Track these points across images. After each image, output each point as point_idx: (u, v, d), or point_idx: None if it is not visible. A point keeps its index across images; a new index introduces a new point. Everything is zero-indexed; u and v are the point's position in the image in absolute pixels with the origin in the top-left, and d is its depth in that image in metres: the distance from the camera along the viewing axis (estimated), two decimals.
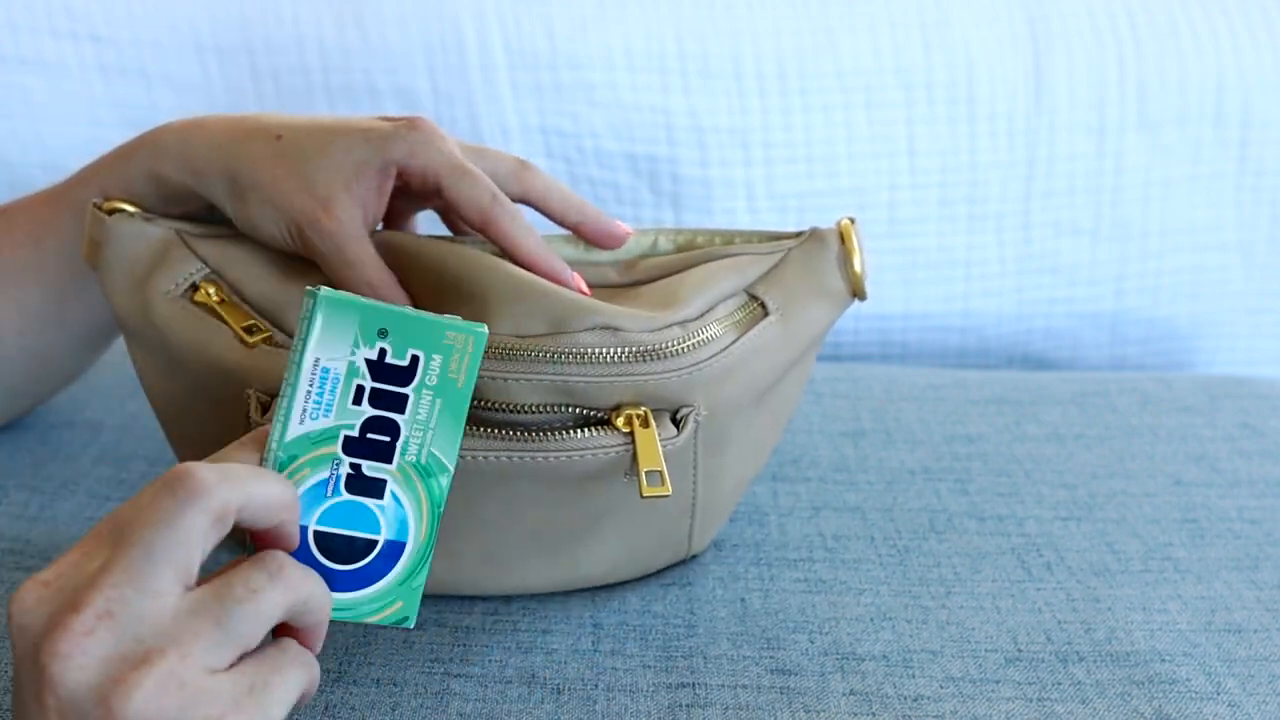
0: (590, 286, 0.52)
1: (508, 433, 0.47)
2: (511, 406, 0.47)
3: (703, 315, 0.50)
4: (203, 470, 0.35)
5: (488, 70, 0.85)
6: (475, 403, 0.47)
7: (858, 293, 0.53)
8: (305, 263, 0.52)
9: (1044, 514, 0.62)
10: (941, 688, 0.49)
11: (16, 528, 0.58)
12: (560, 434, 0.47)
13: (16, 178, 0.86)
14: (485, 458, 0.47)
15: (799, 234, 0.54)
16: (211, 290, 0.51)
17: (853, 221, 0.53)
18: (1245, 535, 0.61)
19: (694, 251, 0.54)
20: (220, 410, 0.50)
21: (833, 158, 0.88)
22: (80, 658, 0.32)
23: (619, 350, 0.47)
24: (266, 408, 0.48)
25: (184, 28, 0.86)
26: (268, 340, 0.49)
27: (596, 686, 0.49)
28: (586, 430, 0.47)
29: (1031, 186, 0.89)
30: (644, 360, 0.47)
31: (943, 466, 0.66)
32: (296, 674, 0.36)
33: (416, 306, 0.49)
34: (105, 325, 0.61)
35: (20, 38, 0.85)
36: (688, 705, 0.48)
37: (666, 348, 0.48)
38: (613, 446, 0.47)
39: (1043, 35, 0.88)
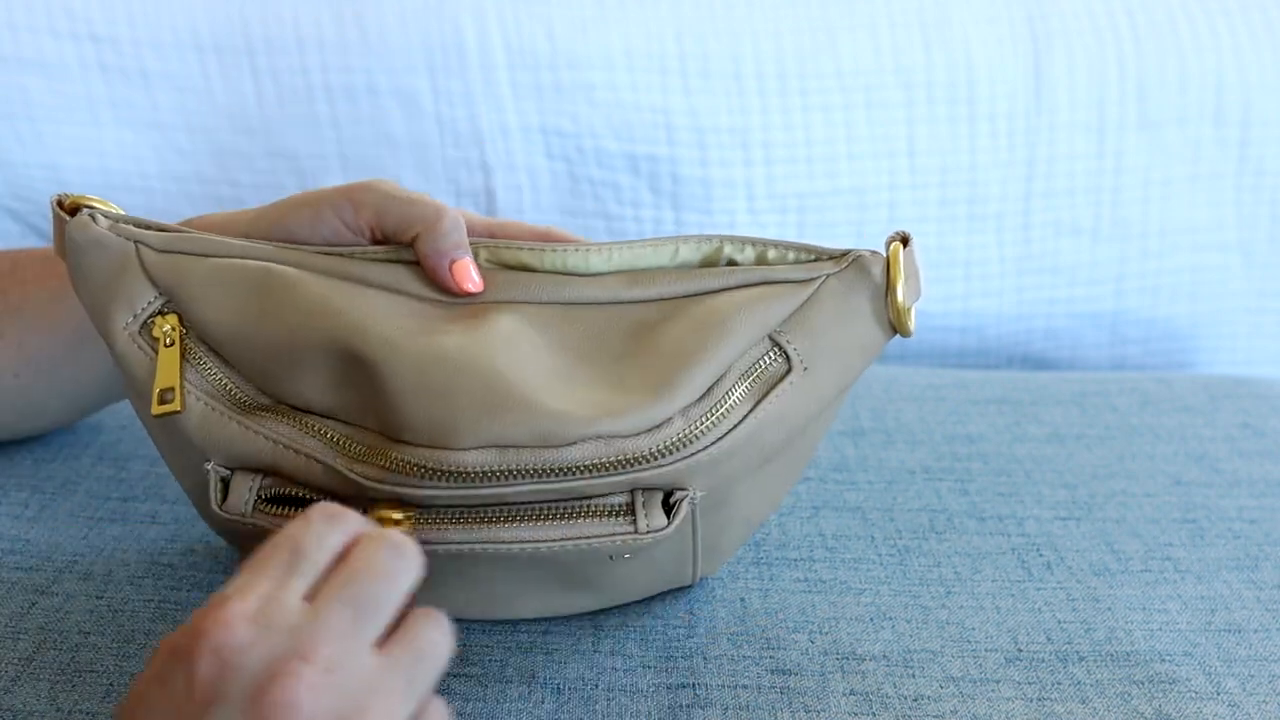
0: (596, 305, 0.48)
1: (495, 513, 0.44)
2: (501, 499, 0.45)
3: (709, 391, 0.45)
4: (413, 544, 0.37)
5: (488, 70, 0.85)
6: (462, 502, 0.44)
7: (899, 329, 0.47)
8: (281, 286, 0.47)
9: (1044, 514, 0.62)
10: (941, 688, 0.49)
11: (16, 528, 0.58)
12: (553, 523, 0.44)
13: (17, 178, 0.86)
14: (474, 549, 0.44)
15: (842, 255, 0.47)
16: (168, 326, 0.47)
17: (905, 242, 0.46)
18: (1245, 535, 0.61)
19: (714, 272, 0.48)
20: (190, 462, 0.47)
21: (833, 158, 0.88)
22: (310, 711, 0.32)
23: (612, 459, 0.43)
24: (228, 485, 0.45)
25: (184, 28, 0.86)
26: (172, 413, 0.45)
27: (596, 686, 0.49)
28: (580, 520, 0.44)
29: (1031, 186, 0.89)
30: (639, 465, 0.44)
31: (943, 466, 0.66)
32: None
33: (387, 403, 0.44)
34: (93, 398, 0.61)
35: (20, 38, 0.85)
36: (688, 705, 0.48)
37: (665, 447, 0.44)
38: (609, 535, 0.44)
39: (1043, 35, 0.88)
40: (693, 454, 0.44)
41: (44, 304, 0.57)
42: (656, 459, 0.44)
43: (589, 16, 0.86)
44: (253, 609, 0.34)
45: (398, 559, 0.36)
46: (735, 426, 0.45)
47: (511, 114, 0.86)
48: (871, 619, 0.53)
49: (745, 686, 0.49)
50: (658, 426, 0.44)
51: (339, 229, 0.49)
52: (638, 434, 0.44)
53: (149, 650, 0.50)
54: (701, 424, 0.44)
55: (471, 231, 0.50)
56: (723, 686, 0.49)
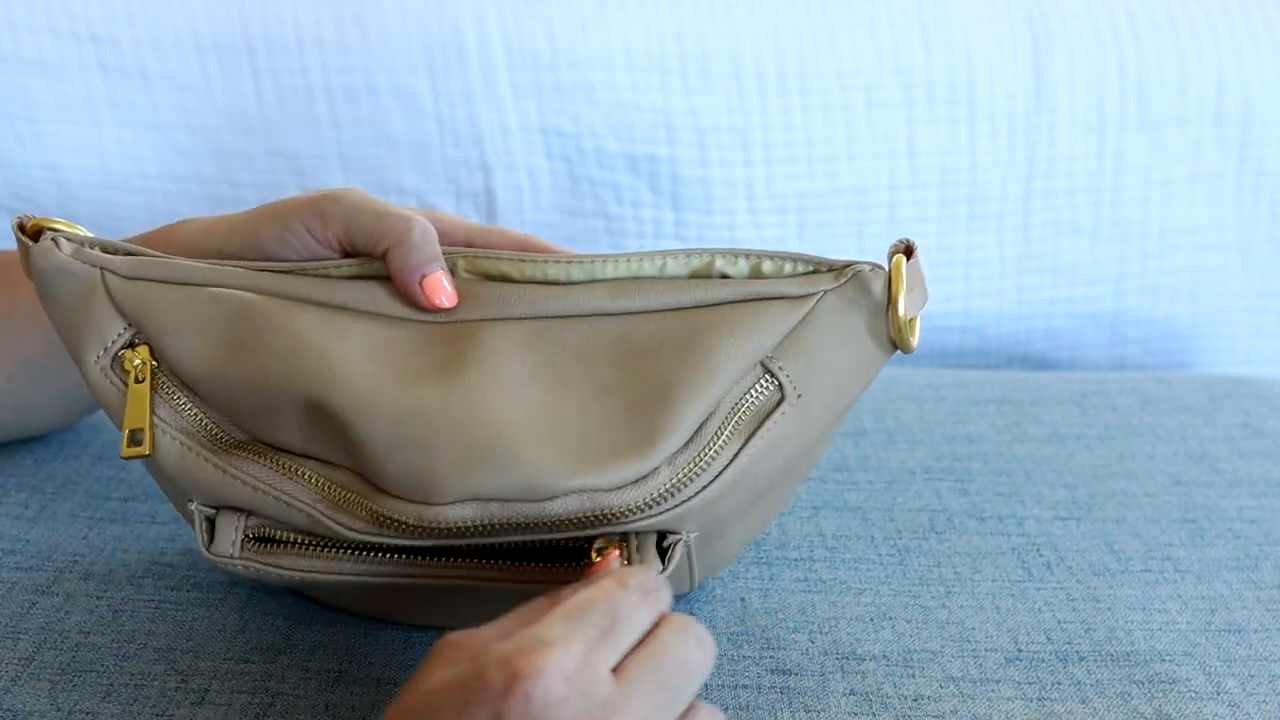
0: (579, 318, 0.46)
1: (480, 550, 0.44)
2: (484, 547, 0.44)
3: (697, 433, 0.43)
4: (710, 636, 0.39)
5: (488, 70, 0.85)
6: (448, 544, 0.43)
7: (901, 346, 0.45)
8: (249, 321, 0.45)
9: (1044, 514, 0.62)
10: (941, 688, 0.49)
11: (16, 528, 0.58)
12: (541, 566, 0.44)
13: (17, 178, 0.86)
14: (459, 583, 0.44)
15: (842, 268, 0.44)
16: (138, 360, 0.44)
17: (909, 253, 0.44)
18: (1245, 535, 0.61)
19: (705, 284, 0.45)
20: (177, 494, 0.47)
21: (833, 158, 0.88)
22: None
23: (596, 513, 0.42)
24: (213, 523, 0.44)
25: (184, 28, 0.86)
26: (142, 456, 0.44)
27: None
28: (571, 566, 0.44)
29: (1031, 186, 0.89)
30: (624, 519, 0.42)
31: (943, 466, 0.66)
32: None
33: (362, 456, 0.43)
34: (89, 400, 0.60)
35: (20, 38, 0.85)
36: None
37: (651, 499, 0.42)
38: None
39: (1043, 35, 0.88)
40: (681, 503, 0.42)
41: (36, 308, 0.56)
42: (642, 511, 0.42)
43: (589, 16, 0.86)
44: (570, 668, 0.34)
45: (701, 653, 0.37)
46: (725, 468, 0.43)
47: (511, 114, 0.86)
48: (871, 619, 0.53)
49: (745, 686, 0.49)
50: (644, 478, 0.42)
51: (309, 242, 0.48)
52: (622, 487, 0.42)
53: (152, 650, 0.50)
54: (689, 471, 0.42)
55: (449, 239, 0.49)
56: (723, 686, 0.49)
